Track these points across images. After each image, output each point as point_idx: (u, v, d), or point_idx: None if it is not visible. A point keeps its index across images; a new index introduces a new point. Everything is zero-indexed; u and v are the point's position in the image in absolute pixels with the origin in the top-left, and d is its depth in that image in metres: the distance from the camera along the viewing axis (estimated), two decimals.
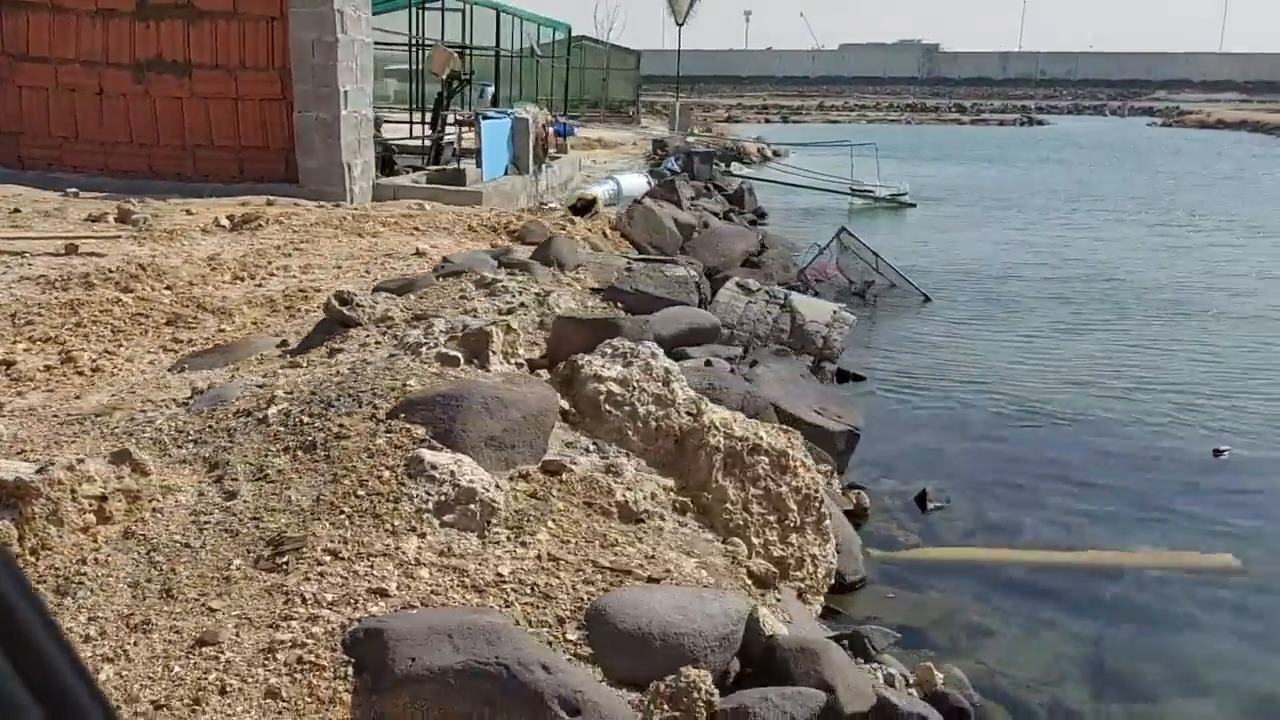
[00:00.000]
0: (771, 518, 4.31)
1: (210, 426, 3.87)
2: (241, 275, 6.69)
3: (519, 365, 4.64)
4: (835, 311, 7.74)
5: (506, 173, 13.67)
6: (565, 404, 4.35)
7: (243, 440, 3.70)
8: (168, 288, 6.39)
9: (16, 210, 8.45)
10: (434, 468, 3.30)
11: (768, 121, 60.97)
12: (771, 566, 4.16)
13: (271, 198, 10.01)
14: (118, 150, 11.68)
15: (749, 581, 4.02)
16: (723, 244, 10.72)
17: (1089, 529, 6.01)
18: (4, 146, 11.78)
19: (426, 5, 20.52)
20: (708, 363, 5.50)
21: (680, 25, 35.17)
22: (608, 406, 4.31)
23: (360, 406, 3.79)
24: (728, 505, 4.24)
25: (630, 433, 4.31)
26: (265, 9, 11.02)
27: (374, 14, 21.07)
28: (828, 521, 4.54)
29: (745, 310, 7.74)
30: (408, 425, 3.58)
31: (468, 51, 15.98)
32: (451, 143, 14.92)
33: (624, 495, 3.74)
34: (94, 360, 5.16)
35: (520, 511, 3.47)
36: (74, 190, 10.29)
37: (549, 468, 3.78)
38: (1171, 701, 4.57)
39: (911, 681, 3.95)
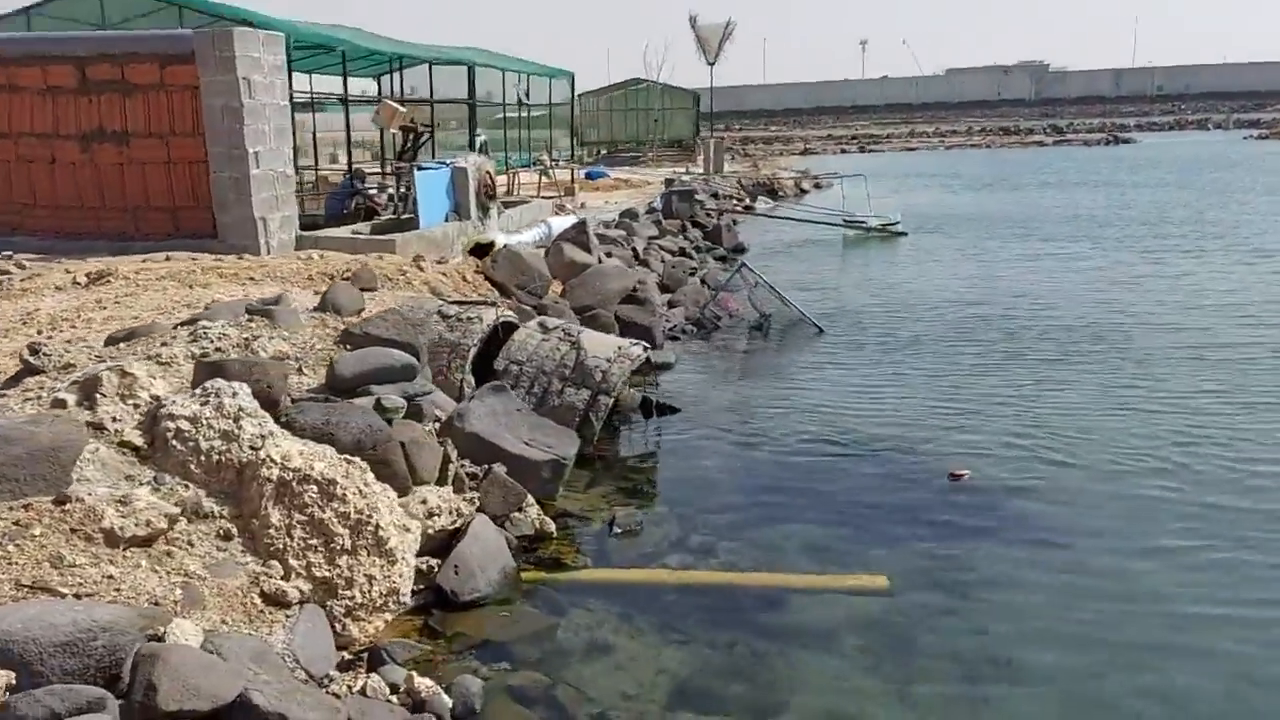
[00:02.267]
0: (315, 541, 4.67)
1: None
2: (43, 329, 7.40)
3: (136, 405, 5.11)
4: (620, 348, 7.99)
5: (447, 219, 14.29)
6: (139, 440, 4.82)
7: None
8: None
9: None
10: None
11: (844, 152, 60.80)
12: (298, 587, 4.52)
13: (172, 254, 10.83)
14: (69, 214, 12.74)
15: (259, 600, 4.41)
16: (600, 283, 11.06)
17: (783, 554, 6.13)
18: None
19: (440, 63, 21.75)
20: (378, 402, 5.88)
21: (711, 64, 35.57)
22: (174, 442, 4.76)
23: None
24: (270, 531, 4.63)
25: (193, 466, 4.75)
26: (187, 79, 11.92)
27: (396, 70, 22.31)
28: (392, 544, 4.87)
29: (537, 348, 8.08)
30: None
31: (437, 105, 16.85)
32: None
33: (113, 522, 4.16)
34: None
35: None
36: (9, 253, 11.31)
37: (60, 499, 4.24)
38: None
39: (401, 689, 4.24)
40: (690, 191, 20.67)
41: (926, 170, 43.60)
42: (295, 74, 18.40)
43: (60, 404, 4.95)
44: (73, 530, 4.11)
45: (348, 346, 6.74)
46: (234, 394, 4.93)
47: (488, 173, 15.07)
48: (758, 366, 10.64)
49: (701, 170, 31.99)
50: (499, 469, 6.23)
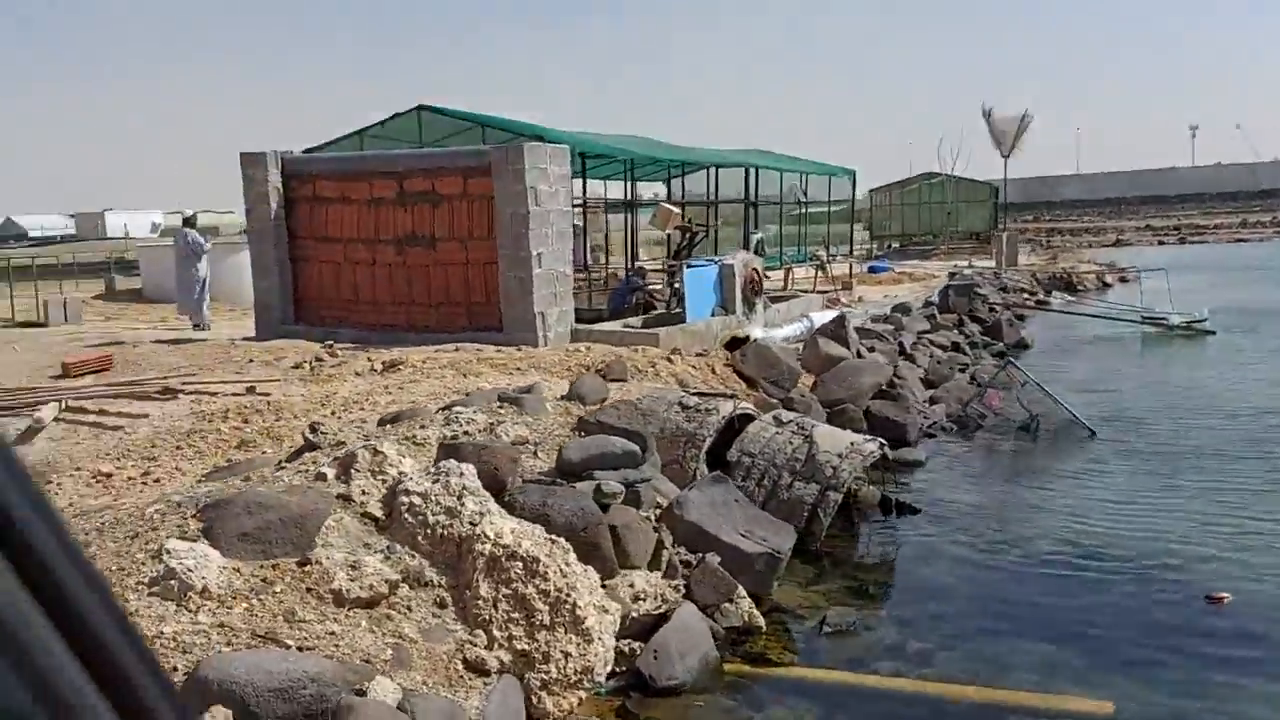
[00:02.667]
0: (517, 615, 5.02)
1: (122, 515, 5.40)
2: (336, 410, 8.44)
3: (383, 480, 5.75)
4: (854, 443, 7.93)
5: (714, 314, 14.81)
6: (379, 512, 5.43)
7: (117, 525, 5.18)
8: (277, 419, 8.27)
9: (251, 360, 11.05)
10: (168, 553, 4.54)
11: (1161, 244, 56.23)
12: (499, 657, 4.88)
13: (461, 345, 11.97)
14: (384, 309, 14.41)
15: (461, 667, 4.80)
16: (853, 377, 11.00)
17: (1005, 668, 5.81)
18: (310, 310, 15.00)
19: (720, 167, 22.70)
20: (598, 487, 6.23)
21: (1005, 157, 34.51)
22: (406, 515, 5.32)
23: (195, 508, 5.14)
24: (479, 602, 5.04)
25: (420, 538, 5.27)
26: (484, 190, 13.27)
27: (675, 177, 23.56)
28: (589, 623, 5.13)
29: (770, 440, 8.20)
30: (190, 521, 4.87)
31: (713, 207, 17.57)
32: None
33: (341, 584, 4.72)
34: (161, 475, 7.01)
35: (236, 589, 4.58)
36: (330, 342, 12.95)
37: (302, 561, 4.86)
38: None
39: None
40: (970, 285, 20.07)
41: (1255, 262, 39.55)
42: (591, 181, 19.93)
43: (321, 477, 5.67)
44: (308, 589, 4.70)
45: (581, 433, 7.18)
46: (460, 474, 5.44)
47: (755, 269, 15.49)
48: (1016, 468, 10.14)
49: (993, 263, 30.87)
50: (712, 558, 6.37)
